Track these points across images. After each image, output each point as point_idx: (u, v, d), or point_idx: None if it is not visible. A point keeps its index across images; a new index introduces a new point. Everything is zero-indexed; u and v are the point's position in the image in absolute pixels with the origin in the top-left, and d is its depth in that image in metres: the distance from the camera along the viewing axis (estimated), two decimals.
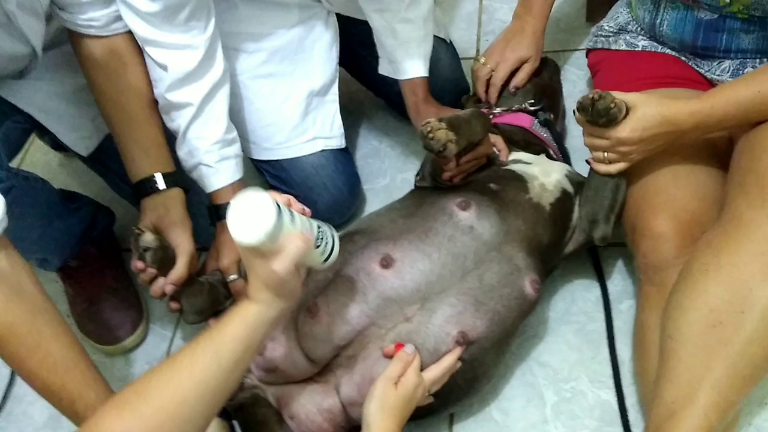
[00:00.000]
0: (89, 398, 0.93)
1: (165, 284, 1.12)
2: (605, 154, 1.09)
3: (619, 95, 1.03)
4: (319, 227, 0.90)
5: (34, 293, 0.95)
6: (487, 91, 1.37)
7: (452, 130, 1.04)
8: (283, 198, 0.86)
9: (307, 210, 0.90)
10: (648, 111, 1.03)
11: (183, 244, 1.14)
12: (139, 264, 1.11)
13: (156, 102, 1.17)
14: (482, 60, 1.36)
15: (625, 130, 1.04)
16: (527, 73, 1.34)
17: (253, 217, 0.79)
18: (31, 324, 0.91)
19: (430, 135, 1.03)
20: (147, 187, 1.15)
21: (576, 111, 1.07)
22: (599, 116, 1.03)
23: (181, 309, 1.17)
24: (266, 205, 0.79)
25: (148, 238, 1.10)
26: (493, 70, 1.35)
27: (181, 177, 1.18)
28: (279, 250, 0.81)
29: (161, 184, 1.15)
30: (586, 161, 1.15)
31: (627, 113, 1.03)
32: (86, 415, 0.92)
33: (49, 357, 0.91)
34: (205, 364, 0.79)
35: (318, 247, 0.89)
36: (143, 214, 1.16)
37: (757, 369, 0.93)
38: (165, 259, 1.12)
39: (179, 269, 1.12)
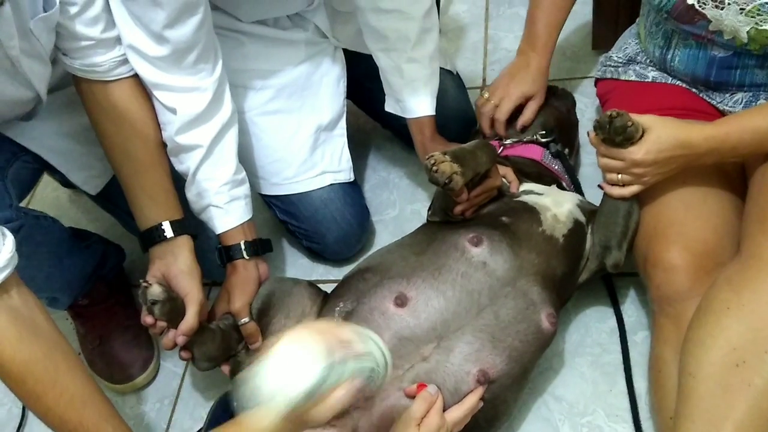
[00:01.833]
0: None
1: (176, 336, 1.11)
2: (619, 176, 1.09)
3: (635, 116, 1.03)
4: (370, 364, 0.81)
5: (48, 329, 0.94)
6: (492, 126, 1.36)
7: (457, 162, 1.04)
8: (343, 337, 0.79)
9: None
10: (663, 133, 1.03)
11: (192, 292, 1.12)
12: (149, 319, 1.10)
13: (163, 146, 1.17)
14: (486, 95, 1.36)
15: (640, 152, 1.03)
16: (533, 111, 1.34)
17: (293, 371, 0.74)
18: (47, 360, 0.91)
19: (435, 168, 1.03)
20: (155, 235, 1.14)
21: (593, 129, 1.07)
22: (616, 134, 1.03)
23: (192, 357, 1.16)
24: (311, 360, 0.74)
25: (155, 291, 1.09)
26: (497, 105, 1.34)
27: (189, 223, 1.17)
28: (316, 405, 0.77)
29: (169, 232, 1.14)
30: (599, 186, 1.15)
31: (642, 135, 1.03)
32: None
33: (66, 393, 0.91)
34: None
35: (370, 379, 0.82)
36: (151, 262, 1.15)
37: None
38: (174, 311, 1.11)
39: (189, 320, 1.11)
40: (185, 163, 1.16)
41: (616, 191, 1.11)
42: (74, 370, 0.94)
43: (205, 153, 1.15)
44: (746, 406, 0.91)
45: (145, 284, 1.10)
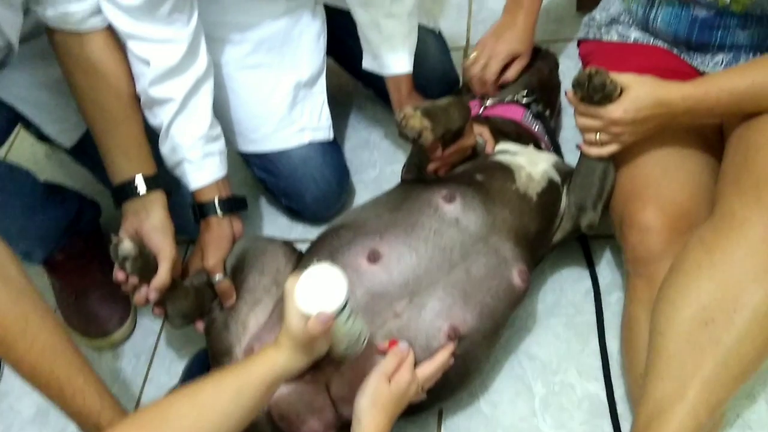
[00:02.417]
0: (77, 384, 0.92)
1: (149, 291, 1.10)
2: (597, 136, 1.08)
3: (614, 75, 1.03)
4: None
5: (19, 278, 0.94)
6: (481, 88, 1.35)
7: (428, 118, 1.03)
8: None
9: None
10: (642, 92, 1.02)
11: (164, 249, 1.11)
12: (120, 275, 1.09)
13: (137, 100, 1.15)
14: (473, 56, 1.35)
15: (618, 110, 1.03)
16: (518, 70, 1.33)
17: (329, 286, 0.85)
18: (17, 310, 0.91)
19: (404, 123, 1.02)
20: (127, 190, 1.13)
21: (572, 88, 1.06)
22: (595, 92, 1.02)
23: (166, 313, 1.16)
24: (338, 277, 0.86)
25: (126, 247, 1.07)
26: (485, 65, 1.33)
27: (162, 179, 1.16)
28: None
29: (142, 187, 1.13)
30: (577, 146, 1.14)
31: (620, 94, 1.03)
32: (75, 401, 0.92)
33: (37, 343, 0.91)
34: (227, 401, 0.81)
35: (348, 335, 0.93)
36: (124, 218, 1.14)
37: (747, 367, 0.93)
38: (146, 267, 1.10)
39: (161, 276, 1.10)
40: (159, 117, 1.15)
41: (594, 151, 1.11)
42: (45, 320, 0.93)
43: (179, 107, 1.13)
44: (714, 363, 0.91)
45: (116, 240, 1.08)
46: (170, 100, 1.13)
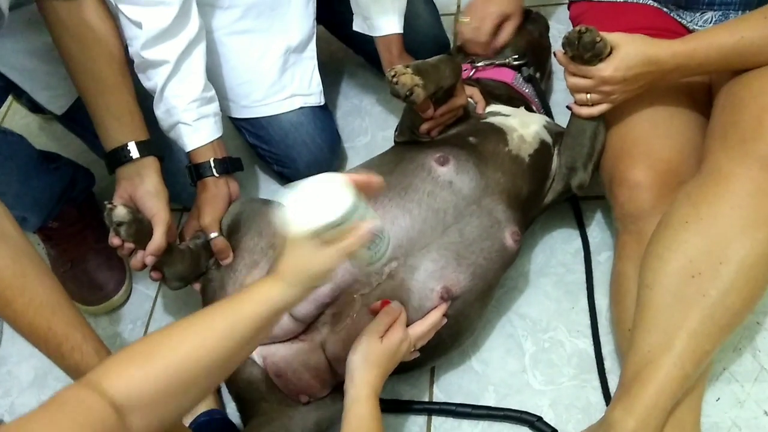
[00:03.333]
0: (75, 340, 0.93)
1: (144, 256, 1.11)
2: (588, 96, 1.09)
3: (603, 34, 1.03)
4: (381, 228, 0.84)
5: (16, 236, 0.94)
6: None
7: (419, 75, 1.02)
8: (361, 178, 0.81)
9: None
10: (631, 50, 1.03)
11: (159, 213, 1.12)
12: (116, 240, 1.09)
13: (128, 66, 1.15)
14: (465, 19, 1.34)
15: (608, 69, 1.04)
16: (509, 33, 1.33)
17: (329, 195, 0.76)
18: (15, 266, 0.91)
19: (395, 80, 1.02)
20: (120, 156, 1.13)
21: (561, 47, 1.06)
22: (585, 50, 1.03)
23: (163, 277, 1.16)
24: (341, 187, 0.77)
25: (120, 212, 1.08)
26: (477, 27, 1.32)
27: (155, 145, 1.16)
28: (335, 240, 0.78)
29: (135, 152, 1.13)
30: (567, 107, 1.15)
31: (610, 52, 1.04)
32: (73, 356, 0.92)
33: (35, 299, 0.91)
34: (220, 334, 0.76)
35: (370, 248, 0.83)
36: (118, 184, 1.14)
37: (733, 318, 0.95)
38: (141, 232, 1.10)
39: (157, 240, 1.11)
40: (153, 80, 1.15)
41: (585, 111, 1.11)
42: (42, 277, 0.93)
43: (173, 69, 1.13)
44: (700, 315, 0.93)
45: (110, 206, 1.09)
46: (164, 63, 1.13)
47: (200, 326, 0.77)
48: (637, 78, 1.04)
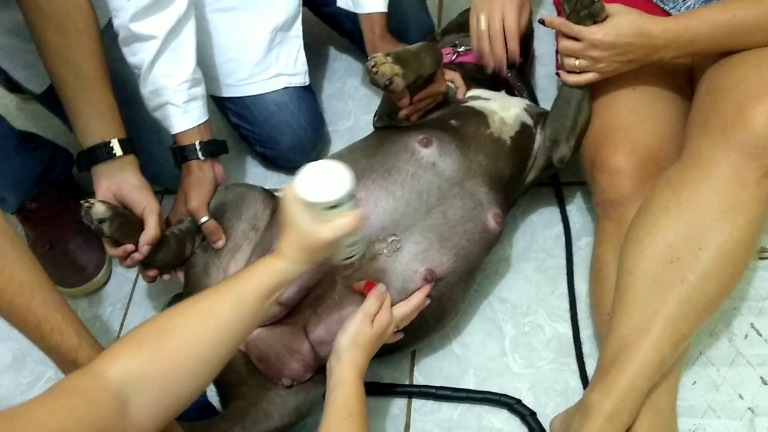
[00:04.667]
0: (55, 320, 0.92)
1: (140, 246, 1.10)
2: (576, 62, 1.09)
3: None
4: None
5: None
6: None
7: (399, 64, 1.02)
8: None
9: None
10: (625, 19, 1.04)
11: (149, 204, 1.11)
12: (116, 251, 1.10)
13: (106, 59, 1.12)
14: (481, 18, 1.23)
15: (599, 32, 1.04)
16: (527, 17, 1.26)
17: (332, 178, 0.83)
18: None
19: (375, 69, 1.02)
20: (102, 152, 1.11)
21: (561, 5, 1.07)
22: (583, 7, 1.04)
23: (160, 275, 1.16)
24: (344, 172, 0.84)
25: (99, 209, 1.06)
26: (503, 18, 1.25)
27: (132, 143, 1.14)
28: (334, 218, 0.83)
29: (118, 150, 1.11)
30: (556, 73, 1.15)
31: (605, 19, 1.05)
32: (53, 337, 0.92)
33: (15, 279, 0.90)
34: (227, 311, 0.79)
35: (349, 244, 0.90)
36: (98, 182, 1.12)
37: (711, 303, 0.96)
38: (125, 225, 1.09)
39: (152, 229, 1.09)
40: (138, 55, 1.13)
41: (572, 78, 1.11)
42: (23, 257, 0.92)
43: (161, 45, 1.11)
44: (678, 300, 0.95)
45: (87, 204, 1.06)
46: (152, 38, 1.11)
47: (208, 303, 0.80)
48: (627, 48, 1.05)
